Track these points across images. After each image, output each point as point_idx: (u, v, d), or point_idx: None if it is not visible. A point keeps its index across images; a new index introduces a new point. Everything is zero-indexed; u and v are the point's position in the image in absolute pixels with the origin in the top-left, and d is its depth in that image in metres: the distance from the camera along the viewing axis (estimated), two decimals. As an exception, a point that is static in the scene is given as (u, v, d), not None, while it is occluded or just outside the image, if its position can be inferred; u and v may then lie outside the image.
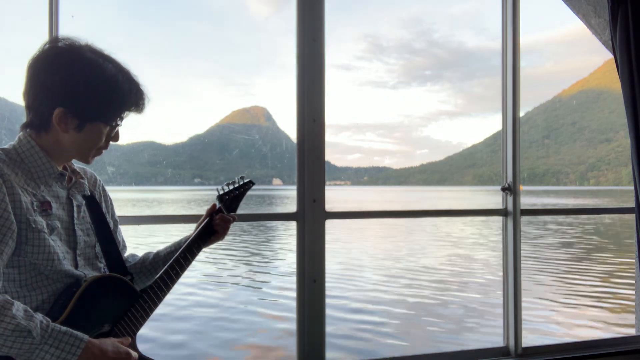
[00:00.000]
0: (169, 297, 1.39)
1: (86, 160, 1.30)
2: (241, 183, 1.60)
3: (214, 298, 7.33)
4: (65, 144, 1.24)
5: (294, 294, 2.21)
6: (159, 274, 1.36)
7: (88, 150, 1.27)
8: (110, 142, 1.32)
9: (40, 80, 1.19)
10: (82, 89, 1.19)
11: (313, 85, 2.19)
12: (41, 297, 1.18)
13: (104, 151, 1.32)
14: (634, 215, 2.52)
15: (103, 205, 1.40)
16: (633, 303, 2.84)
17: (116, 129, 1.30)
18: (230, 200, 1.56)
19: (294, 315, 2.21)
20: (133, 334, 1.29)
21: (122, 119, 1.29)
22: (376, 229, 17.64)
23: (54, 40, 1.22)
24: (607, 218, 19.33)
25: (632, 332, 2.89)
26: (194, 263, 1.46)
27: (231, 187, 1.57)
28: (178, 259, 1.40)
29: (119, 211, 1.52)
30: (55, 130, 1.22)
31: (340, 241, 13.91)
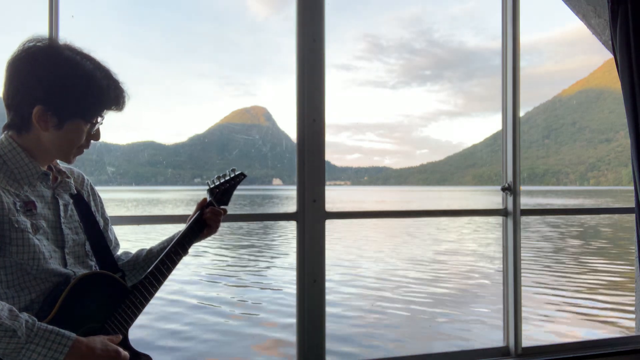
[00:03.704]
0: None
1: (67, 159, 1.30)
2: (232, 176, 1.58)
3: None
4: (46, 142, 1.24)
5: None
6: (149, 270, 1.36)
7: (69, 148, 1.27)
8: (92, 141, 1.32)
9: (19, 79, 1.20)
10: (60, 86, 1.20)
11: (313, 85, 2.19)
12: (29, 297, 1.18)
13: (85, 150, 1.32)
14: (634, 215, 2.52)
15: (92, 204, 1.41)
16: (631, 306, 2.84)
17: (96, 127, 1.31)
18: (221, 194, 1.55)
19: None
20: (125, 330, 1.28)
21: (102, 117, 1.29)
22: (374, 228, 17.63)
23: (33, 39, 1.23)
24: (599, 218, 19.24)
25: (631, 332, 2.89)
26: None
27: (222, 180, 1.56)
28: (169, 254, 1.39)
29: (118, 212, 1.51)
30: (35, 130, 1.22)
31: (337, 243, 13.90)
